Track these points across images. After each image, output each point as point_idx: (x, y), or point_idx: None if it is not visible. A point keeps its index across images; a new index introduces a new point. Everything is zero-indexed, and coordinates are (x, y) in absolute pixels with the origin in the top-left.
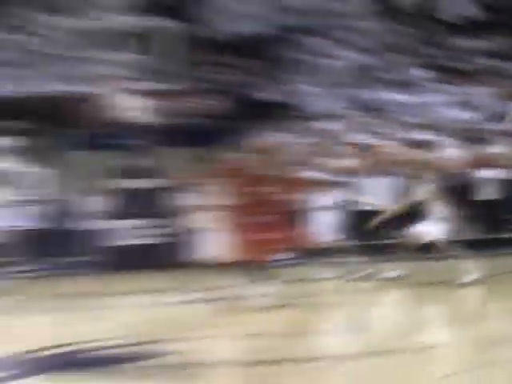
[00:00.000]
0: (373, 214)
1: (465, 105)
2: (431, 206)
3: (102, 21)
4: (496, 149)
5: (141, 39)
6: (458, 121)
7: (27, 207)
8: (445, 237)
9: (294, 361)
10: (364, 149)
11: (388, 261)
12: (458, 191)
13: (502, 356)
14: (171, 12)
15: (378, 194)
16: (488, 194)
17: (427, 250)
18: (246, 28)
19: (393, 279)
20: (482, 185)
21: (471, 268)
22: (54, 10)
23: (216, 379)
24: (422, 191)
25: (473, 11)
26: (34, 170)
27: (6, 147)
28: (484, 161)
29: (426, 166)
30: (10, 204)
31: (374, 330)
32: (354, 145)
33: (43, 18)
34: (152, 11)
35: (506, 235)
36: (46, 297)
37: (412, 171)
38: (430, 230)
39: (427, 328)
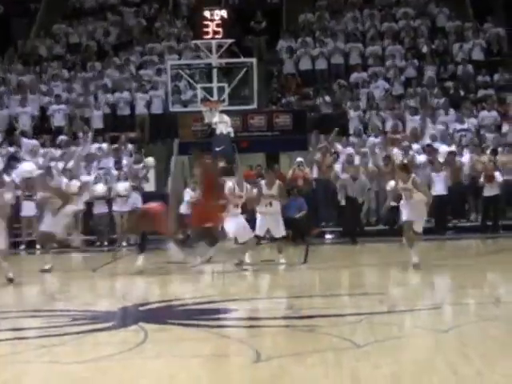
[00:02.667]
0: None
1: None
2: None
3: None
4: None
5: (227, 72)
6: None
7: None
8: None
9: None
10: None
11: None
12: None
13: None
14: (251, 52)
15: None
16: None
17: None
18: (305, 66)
19: None
20: None
21: None
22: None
23: (272, 330)
24: None
25: (477, 55)
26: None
27: (128, 151)
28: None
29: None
30: (129, 192)
31: None
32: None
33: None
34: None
35: None
36: (148, 264)
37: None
38: None
39: None
